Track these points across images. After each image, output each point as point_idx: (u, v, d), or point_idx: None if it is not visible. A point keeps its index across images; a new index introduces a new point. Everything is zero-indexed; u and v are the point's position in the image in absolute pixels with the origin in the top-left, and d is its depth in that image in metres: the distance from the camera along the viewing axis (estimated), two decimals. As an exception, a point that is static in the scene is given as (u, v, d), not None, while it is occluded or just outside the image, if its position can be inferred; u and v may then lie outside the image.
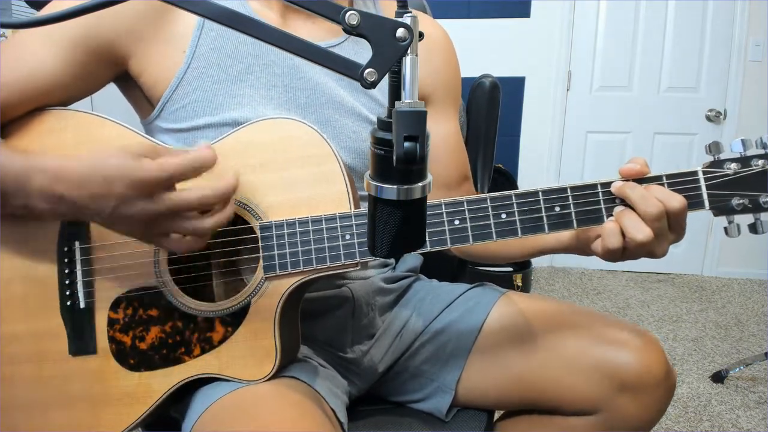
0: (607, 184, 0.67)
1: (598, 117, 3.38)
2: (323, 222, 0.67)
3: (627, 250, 0.66)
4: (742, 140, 0.65)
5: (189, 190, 0.59)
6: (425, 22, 0.88)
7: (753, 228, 0.67)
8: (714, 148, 0.66)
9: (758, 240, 3.17)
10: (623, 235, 0.65)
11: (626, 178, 0.66)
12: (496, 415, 0.91)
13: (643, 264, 3.39)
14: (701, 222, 3.28)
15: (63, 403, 0.69)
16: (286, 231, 0.67)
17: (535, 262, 3.39)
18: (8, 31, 1.74)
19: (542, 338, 0.80)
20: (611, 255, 0.66)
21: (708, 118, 3.24)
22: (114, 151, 0.57)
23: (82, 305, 0.69)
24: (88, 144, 0.69)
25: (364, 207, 0.65)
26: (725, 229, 0.68)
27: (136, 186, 0.56)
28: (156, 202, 0.57)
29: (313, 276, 0.67)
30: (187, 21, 0.73)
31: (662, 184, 0.66)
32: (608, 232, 0.65)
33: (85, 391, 0.69)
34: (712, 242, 3.35)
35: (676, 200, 0.63)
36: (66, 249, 0.69)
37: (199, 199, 0.59)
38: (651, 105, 3.29)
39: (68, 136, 0.70)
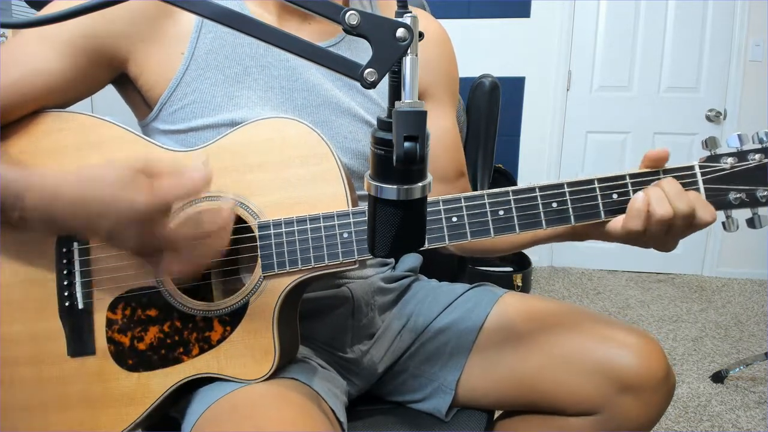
0: (604, 180, 0.67)
1: (598, 117, 3.38)
2: (321, 220, 0.67)
3: (647, 228, 0.65)
4: (739, 135, 0.66)
5: (184, 224, 0.60)
6: (421, 18, 0.88)
7: (751, 222, 0.67)
8: (711, 143, 0.67)
9: (758, 240, 3.18)
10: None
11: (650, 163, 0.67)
12: (496, 415, 0.91)
13: (643, 264, 3.40)
14: (701, 222, 3.27)
15: (62, 404, 0.68)
16: (284, 230, 0.67)
17: (535, 262, 3.39)
18: (8, 32, 1.74)
19: (542, 338, 0.80)
20: (635, 219, 0.65)
21: (708, 118, 3.24)
22: (111, 174, 0.56)
23: (80, 306, 0.68)
24: (87, 146, 0.69)
25: (362, 205, 0.65)
26: (723, 224, 0.68)
27: (131, 216, 0.55)
28: (152, 232, 0.57)
29: (312, 275, 0.67)
30: (185, 22, 0.73)
31: (658, 179, 0.67)
32: (634, 202, 0.66)
33: (84, 391, 0.68)
34: (712, 242, 3.35)
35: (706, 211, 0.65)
36: (64, 250, 0.69)
37: (193, 236, 0.60)
38: (651, 105, 3.29)
39: (68, 138, 0.70)
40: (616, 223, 0.68)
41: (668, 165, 0.67)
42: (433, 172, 0.44)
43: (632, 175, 0.67)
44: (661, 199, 0.64)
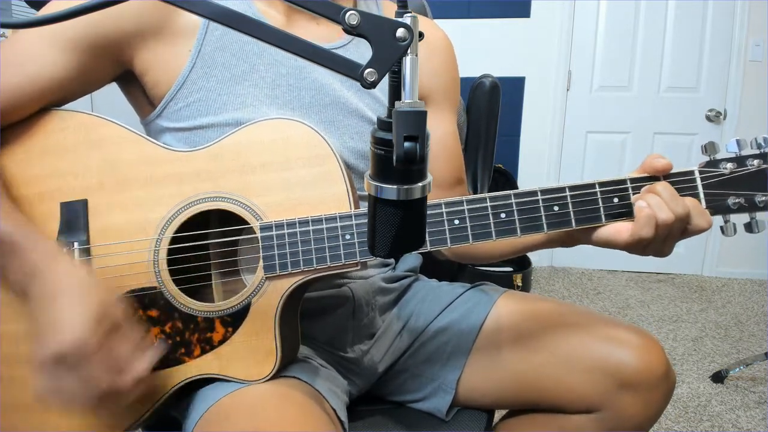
0: (605, 183, 0.68)
1: (597, 117, 3.37)
2: (323, 222, 0.67)
3: (656, 234, 0.65)
4: (737, 140, 0.66)
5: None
6: (426, 25, 0.88)
7: (749, 227, 0.68)
8: (710, 148, 0.67)
9: (758, 240, 3.18)
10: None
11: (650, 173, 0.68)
12: (497, 415, 0.91)
13: (643, 264, 3.40)
14: (701, 222, 3.27)
15: (63, 403, 0.68)
16: (286, 231, 0.67)
17: (535, 262, 3.39)
18: (8, 31, 1.74)
19: (542, 337, 0.80)
20: (646, 227, 0.65)
21: (708, 118, 3.24)
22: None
23: (82, 305, 0.68)
24: (88, 145, 0.69)
25: (365, 207, 0.65)
26: (721, 228, 0.69)
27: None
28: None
29: (314, 276, 0.67)
30: (192, 20, 0.72)
31: (652, 184, 0.67)
32: (642, 209, 0.65)
33: (85, 391, 0.68)
34: (712, 242, 3.34)
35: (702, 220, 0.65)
36: (65, 250, 0.68)
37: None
38: (651, 105, 3.29)
39: (69, 137, 0.70)
40: (620, 233, 0.68)
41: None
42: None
43: (633, 180, 0.68)
44: (659, 204, 0.64)
